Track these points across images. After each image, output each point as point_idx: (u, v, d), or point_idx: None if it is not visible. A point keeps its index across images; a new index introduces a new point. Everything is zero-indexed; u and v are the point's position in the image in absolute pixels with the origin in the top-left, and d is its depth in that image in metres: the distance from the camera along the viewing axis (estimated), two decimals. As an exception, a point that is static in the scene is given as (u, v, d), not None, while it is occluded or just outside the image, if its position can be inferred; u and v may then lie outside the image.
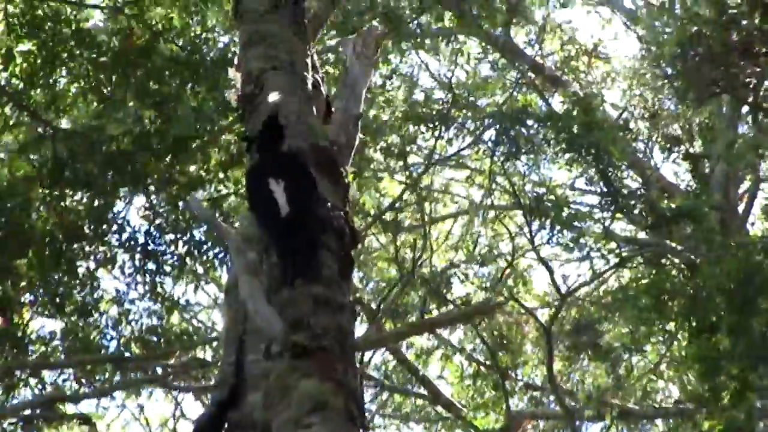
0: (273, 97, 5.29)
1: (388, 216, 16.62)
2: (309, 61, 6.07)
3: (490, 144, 14.88)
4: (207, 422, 5.07)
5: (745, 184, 17.42)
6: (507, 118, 14.43)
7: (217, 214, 13.71)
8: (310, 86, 5.87)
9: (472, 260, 17.39)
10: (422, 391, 17.34)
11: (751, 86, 13.70)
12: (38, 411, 14.13)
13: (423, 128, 16.30)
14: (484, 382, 16.77)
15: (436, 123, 16.11)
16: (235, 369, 5.06)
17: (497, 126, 14.48)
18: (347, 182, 5.59)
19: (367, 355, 15.98)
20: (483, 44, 18.76)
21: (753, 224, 16.90)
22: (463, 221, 18.73)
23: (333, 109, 6.05)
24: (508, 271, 16.31)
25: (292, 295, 4.81)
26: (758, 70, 13.13)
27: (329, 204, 5.24)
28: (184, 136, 13.31)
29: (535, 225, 14.94)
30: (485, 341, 15.76)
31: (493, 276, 16.77)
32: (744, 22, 12.76)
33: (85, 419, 14.95)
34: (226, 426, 4.99)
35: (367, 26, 6.62)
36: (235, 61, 6.19)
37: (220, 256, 14.08)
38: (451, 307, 15.92)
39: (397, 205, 16.54)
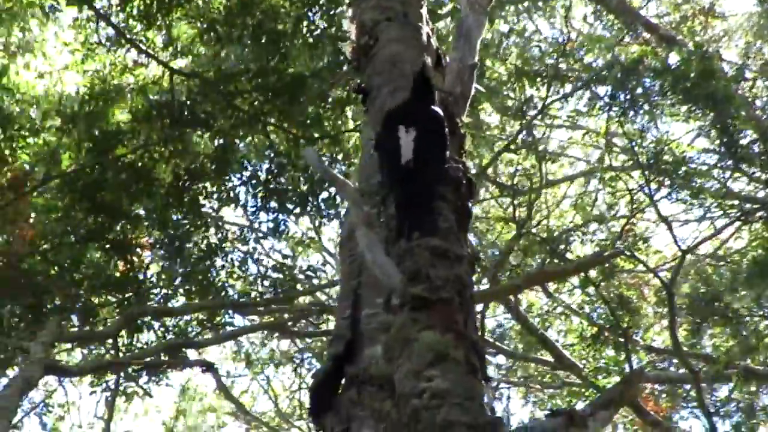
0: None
1: (504, 178, 16.50)
2: (422, 12, 5.96)
3: (606, 99, 14.51)
4: (324, 377, 5.00)
5: None
6: (623, 69, 14.14)
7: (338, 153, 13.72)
8: (424, 37, 5.77)
9: (589, 220, 17.13)
10: (543, 356, 17.13)
11: None
12: (161, 357, 14.22)
13: (537, 83, 16.07)
14: (604, 344, 16.54)
15: (551, 79, 15.87)
16: (351, 323, 4.98)
17: (614, 76, 14.19)
18: (463, 133, 5.45)
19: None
20: (596, 5, 18.49)
21: None
22: (580, 182, 18.51)
23: (447, 59, 5.92)
24: (626, 228, 16.02)
25: (410, 247, 4.70)
26: None
27: (447, 155, 5.10)
28: (301, 74, 13.25)
29: (654, 184, 14.68)
30: (606, 301, 15.49)
31: (612, 235, 16.46)
32: None
33: (207, 365, 15.05)
34: (343, 380, 4.93)
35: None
36: (349, 13, 6.09)
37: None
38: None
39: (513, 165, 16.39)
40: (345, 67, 13.41)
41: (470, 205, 5.13)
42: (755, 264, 14.12)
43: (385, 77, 5.49)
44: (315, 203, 14.24)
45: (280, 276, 15.01)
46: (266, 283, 15.02)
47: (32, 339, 12.53)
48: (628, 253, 15.52)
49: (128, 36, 14.11)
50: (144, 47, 14.22)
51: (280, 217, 14.27)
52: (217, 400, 22.37)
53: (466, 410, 4.34)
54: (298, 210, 14.23)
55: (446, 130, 4.98)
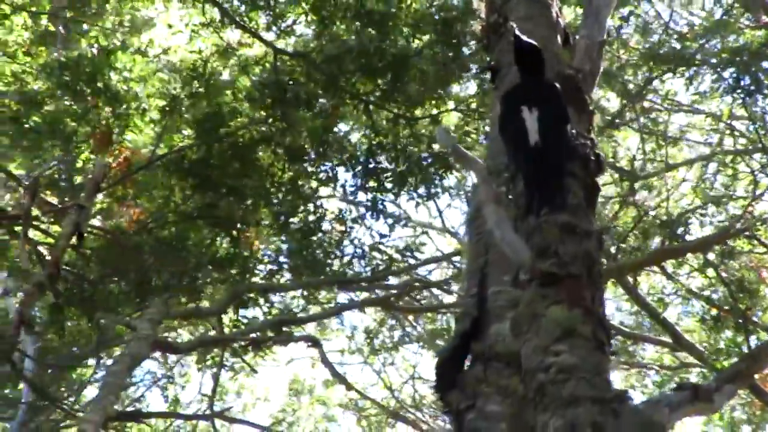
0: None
1: (624, 164, 16.33)
2: (552, -11, 5.92)
3: (730, 81, 14.26)
4: (450, 353, 5.00)
5: None
6: (748, 54, 13.91)
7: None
8: (553, 14, 5.72)
9: (708, 202, 16.87)
10: (663, 337, 16.92)
11: None
12: (267, 333, 14.28)
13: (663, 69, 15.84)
14: (724, 325, 16.30)
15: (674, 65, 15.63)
16: (478, 300, 4.97)
17: (737, 65, 13.96)
18: (592, 110, 5.40)
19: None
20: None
21: None
22: (700, 166, 18.22)
23: (577, 37, 5.86)
24: (748, 210, 15.75)
25: (539, 223, 4.67)
26: None
27: (575, 131, 5.06)
28: (403, 54, 13.18)
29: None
30: (726, 282, 15.27)
31: (731, 217, 16.20)
32: None
33: (312, 341, 15.08)
34: (469, 357, 4.92)
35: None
36: (480, -10, 6.06)
37: (440, 173, 13.92)
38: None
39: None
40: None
41: (598, 181, 5.09)
42: None
43: (516, 54, 5.46)
44: (414, 183, 14.09)
45: (377, 255, 14.90)
46: (363, 262, 14.93)
47: (140, 316, 12.73)
48: (748, 234, 15.28)
49: (233, 16, 14.19)
50: (248, 27, 14.27)
51: (378, 196, 14.15)
52: (327, 388, 22.11)
53: (593, 385, 4.32)
54: (396, 190, 14.09)
55: (565, 106, 4.95)
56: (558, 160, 4.78)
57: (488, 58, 5.70)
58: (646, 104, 16.63)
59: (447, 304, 17.25)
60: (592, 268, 4.65)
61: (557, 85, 5.02)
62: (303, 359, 22.72)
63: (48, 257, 13.55)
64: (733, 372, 5.87)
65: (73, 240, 13.65)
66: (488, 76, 5.64)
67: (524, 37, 4.85)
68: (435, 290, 17.75)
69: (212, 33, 14.77)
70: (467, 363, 4.88)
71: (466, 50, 13.85)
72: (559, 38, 5.67)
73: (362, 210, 14.98)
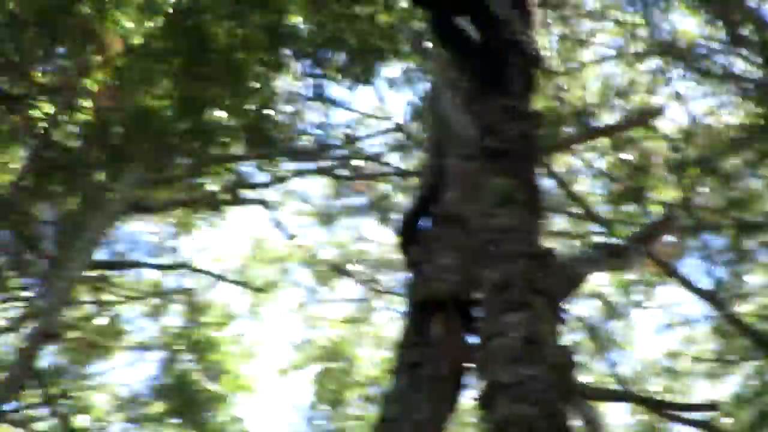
0: None
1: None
2: None
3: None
4: (412, 214, 5.05)
5: None
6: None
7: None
8: None
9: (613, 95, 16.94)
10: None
11: None
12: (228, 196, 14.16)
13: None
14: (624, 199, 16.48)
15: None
16: (436, 170, 5.00)
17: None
18: (530, 10, 5.36)
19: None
20: None
21: None
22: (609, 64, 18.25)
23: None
24: (647, 103, 15.86)
25: (485, 106, 4.70)
26: None
27: (516, 28, 5.06)
28: None
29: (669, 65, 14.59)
30: (625, 162, 15.45)
31: (634, 106, 16.30)
32: None
33: (263, 203, 14.92)
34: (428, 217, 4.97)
35: None
36: None
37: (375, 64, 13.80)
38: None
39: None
40: None
41: (537, 71, 5.10)
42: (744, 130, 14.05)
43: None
44: (352, 72, 13.87)
45: (321, 132, 14.69)
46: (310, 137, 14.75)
47: (119, 181, 12.61)
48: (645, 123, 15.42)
49: None
50: None
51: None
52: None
53: (527, 243, 4.40)
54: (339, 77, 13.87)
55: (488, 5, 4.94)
56: (498, 51, 4.78)
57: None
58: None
59: (385, 173, 17.11)
60: (529, 144, 4.69)
61: None
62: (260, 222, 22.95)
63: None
64: (645, 233, 5.97)
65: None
66: None
67: None
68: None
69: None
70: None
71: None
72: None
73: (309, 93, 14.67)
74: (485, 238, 4.42)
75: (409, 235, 4.95)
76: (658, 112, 15.59)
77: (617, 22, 17.66)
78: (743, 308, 16.54)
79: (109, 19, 13.42)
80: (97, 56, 13.65)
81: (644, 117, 15.01)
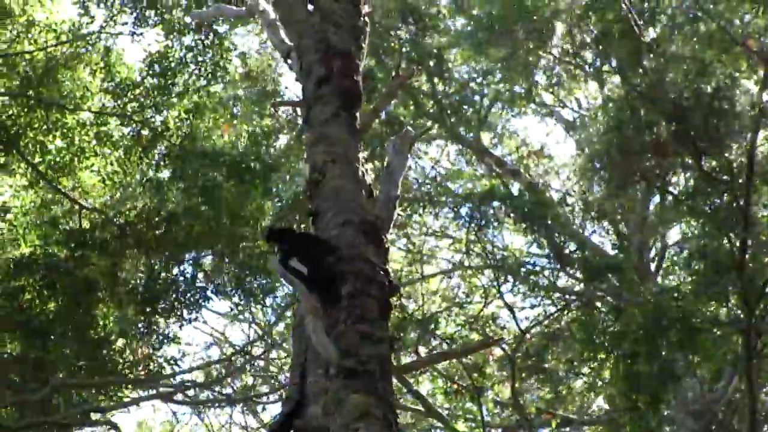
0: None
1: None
2: (359, 155, 6.07)
3: (466, 217, 14.88)
4: (278, 428, 5.08)
5: (655, 248, 17.51)
6: (478, 198, 14.57)
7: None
8: (360, 174, 5.88)
9: (453, 306, 17.34)
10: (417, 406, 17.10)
11: (660, 176, 13.82)
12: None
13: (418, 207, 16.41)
14: (462, 398, 16.67)
15: (426, 203, 16.22)
16: (299, 387, 5.07)
17: (471, 204, 14.60)
18: (388, 247, 5.58)
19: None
20: (458, 145, 18.92)
21: (662, 277, 16.90)
22: (447, 278, 18.75)
23: (376, 192, 6.05)
24: (482, 312, 16.27)
25: (344, 330, 4.84)
26: (666, 163, 13.23)
27: (374, 262, 5.26)
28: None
29: (501, 279, 15.09)
30: (464, 366, 15.72)
31: (470, 317, 16.68)
32: (655, 128, 12.89)
33: (112, 425, 14.54)
34: (292, 430, 5.00)
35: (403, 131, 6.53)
36: (304, 156, 6.16)
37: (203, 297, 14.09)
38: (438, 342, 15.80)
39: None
40: None
41: (391, 301, 5.28)
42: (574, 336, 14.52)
43: (330, 204, 5.61)
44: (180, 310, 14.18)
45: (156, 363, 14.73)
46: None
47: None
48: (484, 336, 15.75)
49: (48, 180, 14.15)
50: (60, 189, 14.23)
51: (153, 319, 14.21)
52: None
53: (383, 454, 4.49)
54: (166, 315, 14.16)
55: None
56: (360, 285, 4.99)
57: (310, 206, 5.81)
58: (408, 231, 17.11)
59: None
60: (384, 365, 4.83)
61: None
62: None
63: None
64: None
65: None
66: (311, 219, 5.75)
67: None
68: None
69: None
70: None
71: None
72: (364, 192, 5.83)
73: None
74: (344, 450, 4.49)
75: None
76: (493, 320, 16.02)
77: (455, 240, 18.32)
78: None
79: None
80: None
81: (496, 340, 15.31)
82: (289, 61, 6.84)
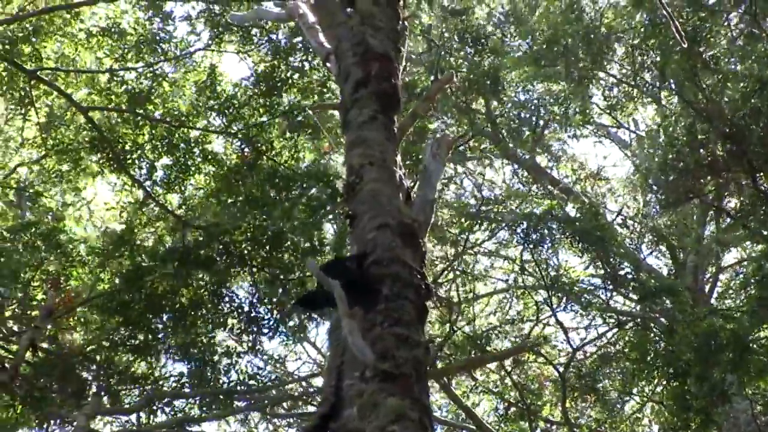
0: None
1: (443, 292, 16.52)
2: (396, 158, 5.98)
3: (521, 234, 14.70)
4: (313, 430, 4.98)
5: (710, 270, 17.22)
6: (536, 218, 14.41)
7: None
8: (397, 178, 5.79)
9: (504, 323, 17.16)
10: (468, 423, 16.91)
11: (715, 194, 13.61)
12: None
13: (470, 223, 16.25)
14: (513, 417, 16.47)
15: (482, 220, 16.07)
16: (335, 390, 4.97)
17: (528, 224, 14.42)
18: (424, 250, 5.48)
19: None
20: (513, 165, 18.81)
21: (716, 299, 16.60)
22: (500, 297, 18.60)
23: (413, 195, 5.95)
24: (535, 330, 16.10)
25: (381, 333, 4.75)
26: (721, 181, 12.98)
27: (411, 265, 5.17)
28: (280, 231, 13.09)
29: (554, 299, 14.89)
30: (516, 385, 15.53)
31: (522, 335, 16.52)
32: (710, 145, 12.67)
33: None
34: (327, 433, 4.91)
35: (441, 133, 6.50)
36: (342, 159, 6.12)
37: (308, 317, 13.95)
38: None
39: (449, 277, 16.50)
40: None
41: (427, 304, 5.18)
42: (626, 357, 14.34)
43: (367, 207, 5.53)
44: (284, 329, 14.07)
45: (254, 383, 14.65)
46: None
47: (77, 412, 12.50)
48: (535, 348, 15.58)
49: (154, 197, 14.26)
50: (164, 205, 14.36)
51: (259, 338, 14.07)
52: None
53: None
54: (270, 334, 14.01)
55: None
56: (398, 288, 4.92)
57: (347, 209, 5.73)
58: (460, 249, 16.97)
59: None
60: (420, 369, 4.73)
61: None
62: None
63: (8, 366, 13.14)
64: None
65: (28, 354, 13.29)
66: (348, 221, 5.67)
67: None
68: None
69: (138, 209, 14.73)
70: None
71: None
72: (401, 195, 5.74)
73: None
74: (380, 453, 4.40)
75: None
76: (545, 340, 15.82)
77: (509, 259, 18.13)
78: None
79: (73, 274, 13.63)
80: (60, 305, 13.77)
81: (532, 345, 15.18)
82: (329, 65, 6.77)
